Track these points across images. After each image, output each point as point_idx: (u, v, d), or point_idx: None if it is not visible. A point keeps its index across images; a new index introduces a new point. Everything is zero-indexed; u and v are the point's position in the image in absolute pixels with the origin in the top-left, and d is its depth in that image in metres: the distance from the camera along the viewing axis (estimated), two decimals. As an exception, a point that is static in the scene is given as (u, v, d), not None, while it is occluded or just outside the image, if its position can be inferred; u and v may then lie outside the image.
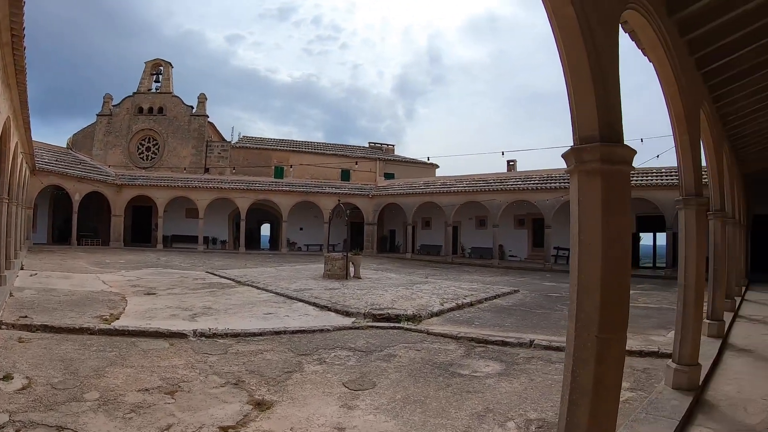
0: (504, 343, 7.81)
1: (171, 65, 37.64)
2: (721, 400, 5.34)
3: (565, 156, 2.76)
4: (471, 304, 11.88)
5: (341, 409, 4.86)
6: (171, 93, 36.80)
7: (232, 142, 38.72)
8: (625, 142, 2.83)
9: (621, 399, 5.36)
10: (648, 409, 4.71)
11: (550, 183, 25.31)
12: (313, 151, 39.91)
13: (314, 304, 11.12)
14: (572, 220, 2.75)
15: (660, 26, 4.67)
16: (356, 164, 34.82)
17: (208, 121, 37.24)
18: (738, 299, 12.30)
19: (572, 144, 2.77)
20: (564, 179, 24.25)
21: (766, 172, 18.34)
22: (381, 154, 42.34)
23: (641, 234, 25.86)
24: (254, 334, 7.89)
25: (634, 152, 2.73)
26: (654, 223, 23.75)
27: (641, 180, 22.42)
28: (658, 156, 16.14)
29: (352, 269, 16.52)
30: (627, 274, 2.74)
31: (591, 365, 2.64)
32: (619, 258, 2.67)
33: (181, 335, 7.55)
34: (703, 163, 7.92)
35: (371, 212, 32.51)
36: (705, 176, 8.01)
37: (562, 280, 17.69)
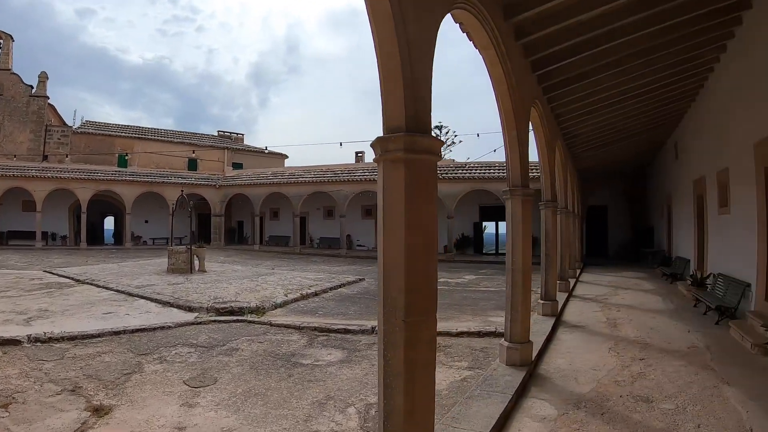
0: (346, 331, 8.04)
1: (12, 38, 32.85)
2: (553, 373, 5.87)
3: (372, 145, 2.83)
4: (316, 294, 12.12)
5: (182, 408, 4.76)
6: (9, 70, 32.19)
7: (74, 127, 34.91)
8: (438, 134, 2.97)
9: (459, 378, 5.75)
10: (482, 386, 5.05)
11: (397, 174, 26.33)
12: (159, 138, 37.43)
13: (156, 301, 10.76)
14: (378, 208, 2.82)
15: (493, 28, 4.95)
16: (193, 153, 33.48)
17: (49, 103, 33.25)
18: (573, 281, 13.64)
19: (381, 134, 2.83)
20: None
21: (596, 169, 20.68)
22: (230, 143, 40.97)
23: (485, 223, 27.82)
24: (93, 336, 7.48)
25: (441, 143, 2.86)
26: (496, 213, 25.68)
27: (483, 173, 24.16)
28: (495, 150, 17.39)
29: (196, 262, 16.16)
30: (432, 260, 2.88)
31: (400, 349, 2.74)
32: (423, 244, 2.80)
33: (14, 342, 7.00)
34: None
35: (218, 203, 31.47)
36: (538, 170, 8.77)
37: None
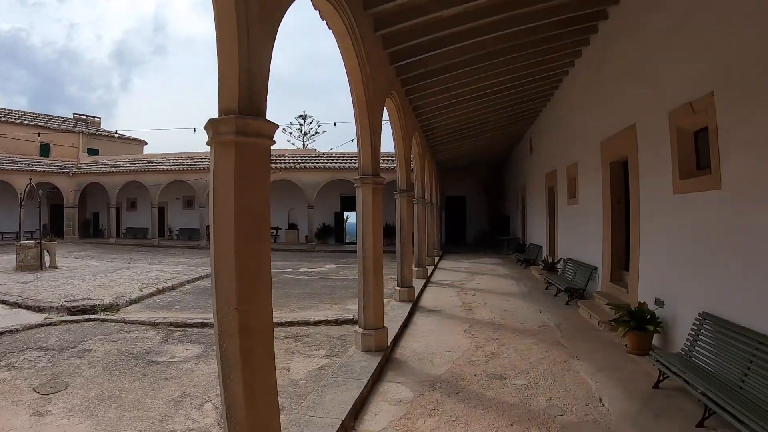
0: (203, 325, 7.85)
1: None
2: (409, 356, 6.03)
3: (205, 128, 2.70)
4: (173, 288, 11.85)
5: (32, 418, 4.47)
6: None
7: None
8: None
9: (317, 366, 5.73)
10: (338, 373, 5.08)
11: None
12: (9, 120, 32.72)
13: (2, 302, 9.90)
14: (210, 193, 2.71)
15: (350, 17, 4.95)
16: (38, 135, 30.03)
17: None
18: (431, 267, 14.26)
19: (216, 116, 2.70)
20: (275, 159, 24.93)
21: (457, 161, 21.88)
22: (86, 127, 37.12)
23: (347, 213, 28.28)
24: (-68, 346, 6.72)
25: (276, 127, 2.81)
26: (358, 202, 26.24)
27: (344, 163, 24.57)
28: (353, 140, 17.71)
29: (47, 258, 14.89)
30: (265, 247, 2.82)
31: (236, 338, 2.66)
32: (254, 230, 2.73)
33: None
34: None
35: (72, 193, 28.71)
36: (395, 160, 8.96)
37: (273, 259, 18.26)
